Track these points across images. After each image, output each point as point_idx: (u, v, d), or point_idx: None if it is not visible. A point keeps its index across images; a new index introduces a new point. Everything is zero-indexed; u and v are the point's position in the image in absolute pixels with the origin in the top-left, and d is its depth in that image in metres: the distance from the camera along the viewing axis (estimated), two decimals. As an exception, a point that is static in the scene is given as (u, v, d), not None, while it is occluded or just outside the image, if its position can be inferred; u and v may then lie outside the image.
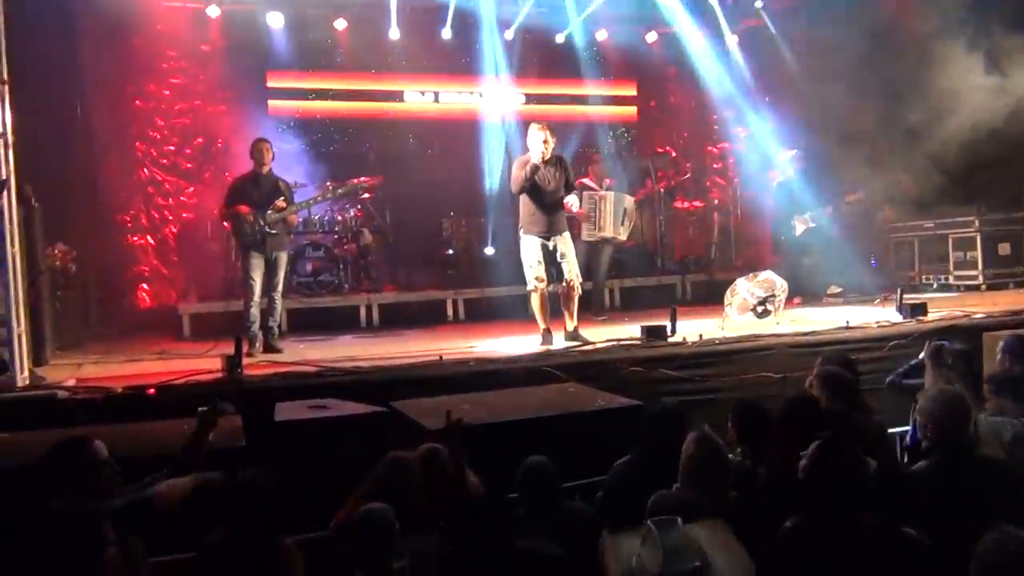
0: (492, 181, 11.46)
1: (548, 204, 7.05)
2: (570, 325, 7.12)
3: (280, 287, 7.58)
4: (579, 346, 6.82)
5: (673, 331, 6.81)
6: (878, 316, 7.53)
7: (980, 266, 10.24)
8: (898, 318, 7.33)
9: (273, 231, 7.35)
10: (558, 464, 3.75)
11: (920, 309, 7.33)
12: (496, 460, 3.91)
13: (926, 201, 10.90)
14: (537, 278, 7.01)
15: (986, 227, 10.24)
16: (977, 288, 10.16)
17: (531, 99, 12.56)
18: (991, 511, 3.06)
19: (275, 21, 10.99)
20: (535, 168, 6.94)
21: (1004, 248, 10.26)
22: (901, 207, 11.14)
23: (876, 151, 10.80)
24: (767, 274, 7.89)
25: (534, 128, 7.04)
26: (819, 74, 11.49)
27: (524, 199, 7.07)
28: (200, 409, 3.84)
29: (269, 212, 7.31)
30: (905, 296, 7.79)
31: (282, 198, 7.40)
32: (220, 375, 5.50)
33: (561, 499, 3.77)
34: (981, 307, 7.78)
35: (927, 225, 10.81)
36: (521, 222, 7.14)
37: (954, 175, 10.31)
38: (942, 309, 7.64)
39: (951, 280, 10.50)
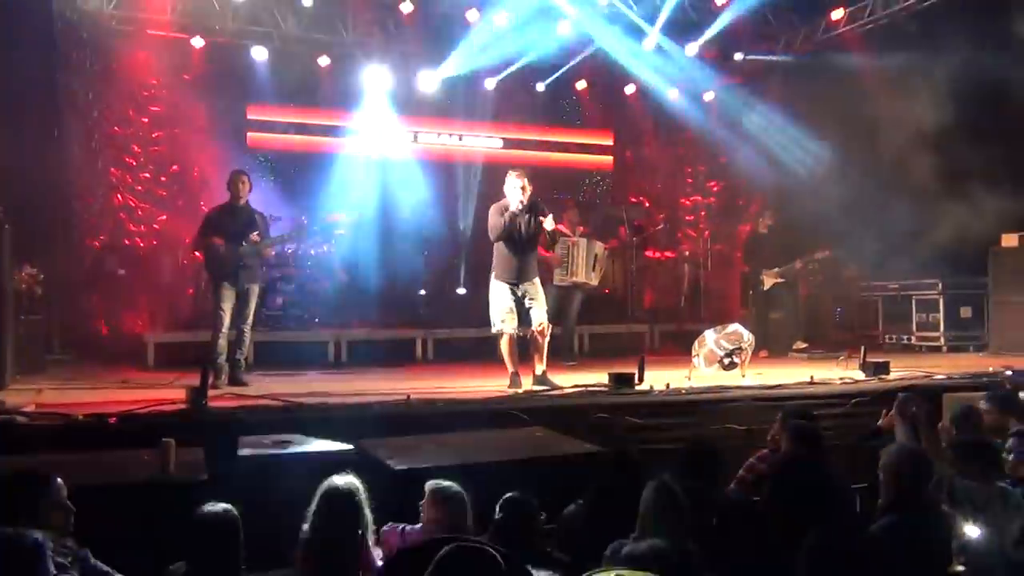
0: (466, 222, 11.54)
1: (522, 251, 7.12)
2: (539, 369, 7.14)
3: (250, 320, 7.55)
4: (547, 391, 6.84)
5: (640, 379, 6.85)
6: (842, 373, 7.63)
7: (942, 328, 10.43)
8: (861, 376, 7.44)
9: (246, 263, 7.33)
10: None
11: (883, 368, 7.44)
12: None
13: (891, 261, 11.15)
14: (504, 321, 7.04)
15: (949, 290, 10.45)
16: (939, 349, 10.35)
17: (509, 144, 12.72)
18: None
19: (259, 55, 11.08)
20: (513, 216, 7.01)
21: (966, 311, 10.47)
22: (867, 266, 11.38)
23: (845, 208, 11.07)
24: (735, 327, 7.98)
25: (512, 176, 7.12)
26: (793, 132, 11.84)
27: (499, 245, 7.13)
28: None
29: (243, 244, 7.30)
30: (868, 354, 7.92)
31: (257, 232, 7.39)
32: (184, 406, 5.44)
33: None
34: (942, 368, 7.92)
35: (892, 286, 11.02)
36: (494, 267, 7.18)
37: (919, 236, 10.57)
38: (904, 369, 7.77)
39: (914, 340, 10.69)
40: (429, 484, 3.70)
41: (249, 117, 11.49)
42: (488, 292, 7.21)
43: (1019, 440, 4.68)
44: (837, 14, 10.99)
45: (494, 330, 7.11)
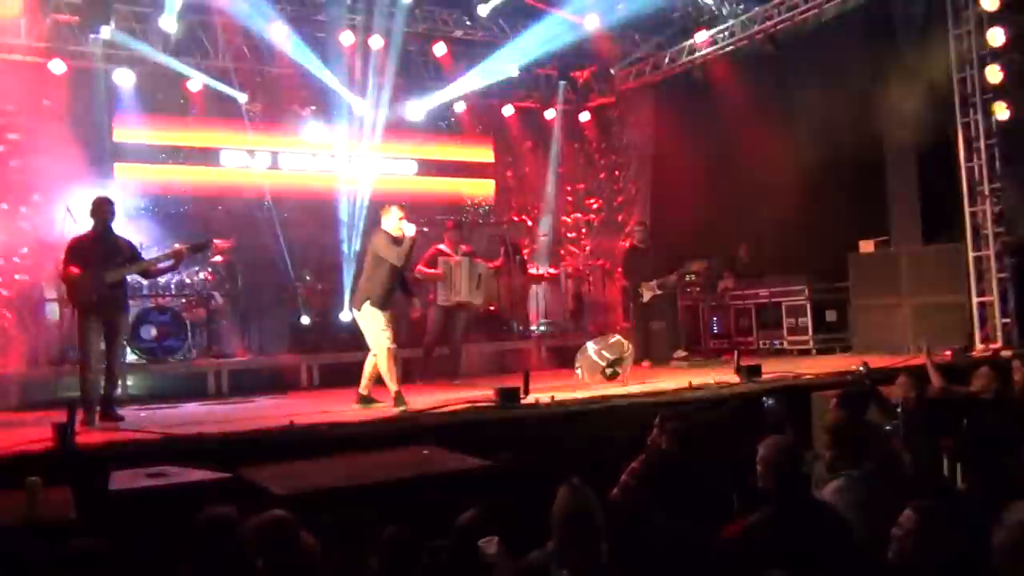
0: (351, 246, 11.40)
1: (399, 280, 7.35)
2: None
3: (119, 352, 7.22)
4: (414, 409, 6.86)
5: (526, 393, 6.93)
6: (718, 377, 7.92)
7: (810, 332, 10.97)
8: (736, 379, 7.74)
9: (113, 293, 7.01)
10: (413, 527, 3.73)
11: (756, 371, 7.77)
12: (351, 525, 3.84)
13: (761, 270, 11.71)
14: (389, 337, 7.10)
15: (815, 295, 11.01)
16: (808, 352, 10.87)
17: (389, 164, 12.65)
18: (823, 554, 3.30)
19: (124, 79, 10.70)
20: (412, 243, 7.16)
21: (831, 315, 11.05)
22: (740, 275, 11.89)
23: (717, 222, 11.58)
24: (615, 337, 8.20)
25: (394, 209, 7.32)
26: (666, 149, 12.30)
27: (384, 273, 7.23)
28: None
29: (108, 272, 6.98)
30: (742, 359, 8.25)
31: (123, 258, 7.10)
32: (51, 444, 5.15)
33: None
34: (810, 369, 8.34)
35: (762, 293, 11.53)
36: (372, 293, 7.21)
37: (784, 245, 11.15)
38: (774, 373, 8.13)
39: (785, 345, 11.19)
40: None
41: (115, 140, 11.00)
42: (362, 317, 7.25)
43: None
44: (700, 36, 11.49)
45: (387, 345, 7.09)
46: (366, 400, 7.34)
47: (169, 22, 10.21)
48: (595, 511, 3.52)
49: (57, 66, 10.27)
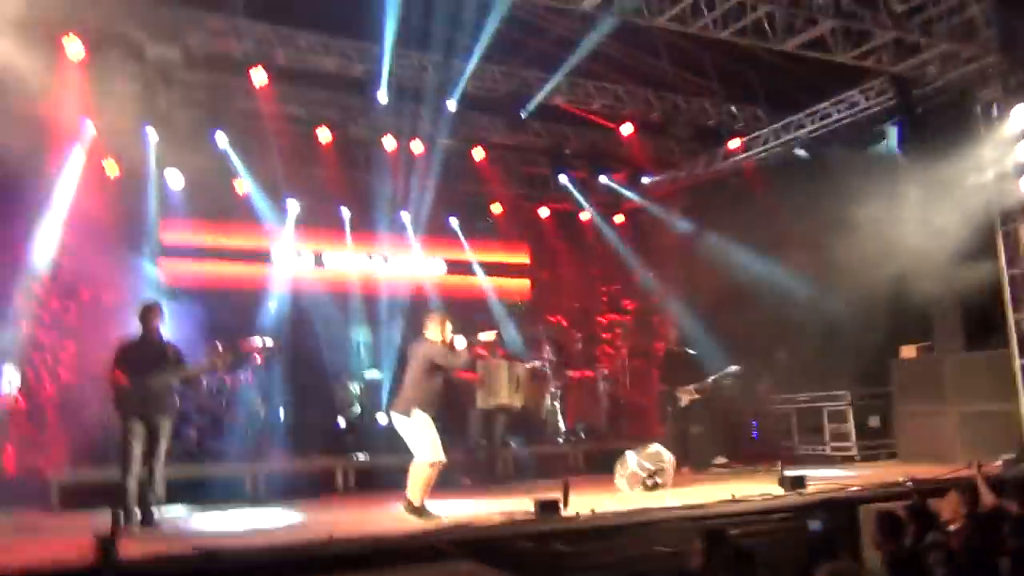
0: (390, 347, 11.48)
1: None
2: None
3: (162, 456, 7.26)
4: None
5: (566, 504, 6.83)
6: (761, 489, 7.75)
7: (853, 438, 10.76)
8: (780, 491, 7.57)
9: (156, 397, 7.12)
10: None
11: (800, 482, 7.60)
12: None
13: (801, 375, 11.57)
14: (437, 453, 7.04)
15: (857, 401, 10.84)
16: (852, 459, 10.64)
17: (426, 265, 12.85)
18: None
19: (174, 180, 11.02)
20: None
21: (874, 421, 10.85)
22: (779, 380, 11.76)
23: (755, 325, 11.51)
24: (655, 447, 8.09)
25: (435, 317, 7.36)
26: (704, 255, 12.37)
27: (431, 378, 7.19)
28: None
29: (153, 378, 7.10)
30: (786, 466, 8.09)
31: (169, 364, 7.23)
32: (92, 559, 5.13)
33: None
34: (855, 481, 8.13)
35: (802, 398, 11.36)
36: (421, 400, 7.15)
37: (824, 350, 11.03)
38: (820, 482, 7.94)
39: (828, 451, 10.96)
40: None
41: (163, 241, 11.28)
42: (410, 423, 7.15)
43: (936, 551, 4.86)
44: (734, 143, 11.69)
45: (430, 459, 7.02)
46: (420, 511, 7.06)
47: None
48: None
49: (111, 168, 10.64)
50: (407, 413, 7.15)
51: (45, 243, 10.52)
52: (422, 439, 7.08)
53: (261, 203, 11.61)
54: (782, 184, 11.38)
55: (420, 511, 6.99)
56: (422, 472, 7.05)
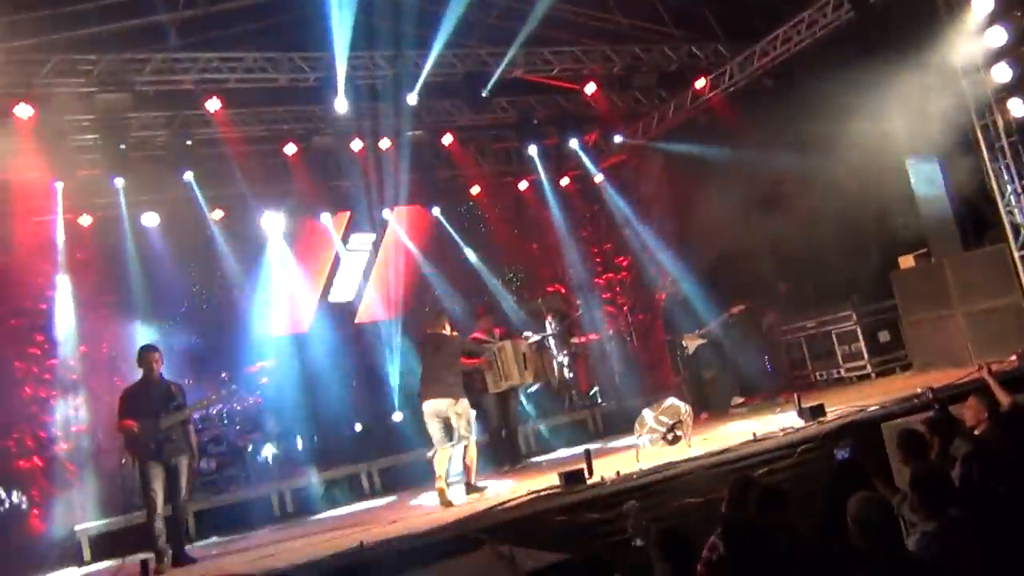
0: (393, 345, 11.45)
1: None
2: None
3: (184, 493, 7.26)
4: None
5: (590, 473, 6.82)
6: (782, 423, 7.73)
7: (866, 356, 10.73)
8: (800, 422, 7.55)
9: (170, 437, 7.10)
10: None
11: (819, 411, 7.57)
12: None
13: (805, 301, 11.51)
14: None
15: (863, 318, 10.79)
16: (868, 377, 10.61)
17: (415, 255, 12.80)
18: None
19: (149, 220, 10.90)
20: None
21: (884, 336, 10.80)
22: (783, 310, 11.70)
23: (752, 262, 11.42)
24: (670, 400, 8.07)
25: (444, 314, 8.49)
26: (690, 197, 12.23)
27: (459, 367, 7.95)
28: None
29: (163, 418, 7.08)
30: (803, 397, 8.06)
31: (175, 404, 7.20)
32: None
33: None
34: (874, 399, 8.06)
35: (810, 325, 11.32)
36: (462, 386, 7.92)
37: (824, 273, 10.95)
38: (838, 406, 7.91)
39: (843, 373, 10.92)
40: None
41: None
42: (459, 407, 7.69)
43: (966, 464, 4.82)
44: (700, 83, 11.55)
45: (476, 438, 7.85)
46: (475, 488, 7.68)
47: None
48: None
49: (84, 219, 10.56)
50: (455, 398, 7.71)
51: (36, 304, 10.48)
52: (470, 420, 7.76)
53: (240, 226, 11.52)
54: (757, 113, 11.23)
55: (479, 488, 7.65)
56: (472, 450, 7.68)
